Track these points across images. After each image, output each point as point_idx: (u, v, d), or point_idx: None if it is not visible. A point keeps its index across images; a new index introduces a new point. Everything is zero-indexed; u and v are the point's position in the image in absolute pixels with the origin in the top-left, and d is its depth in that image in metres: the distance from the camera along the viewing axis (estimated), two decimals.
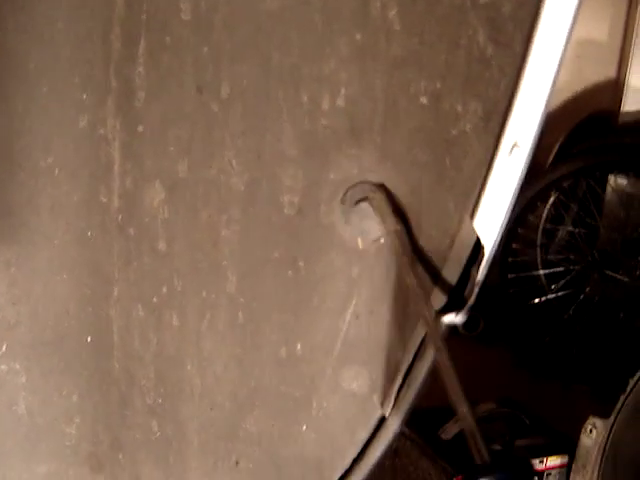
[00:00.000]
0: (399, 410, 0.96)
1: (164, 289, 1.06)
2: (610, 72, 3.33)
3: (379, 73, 0.89)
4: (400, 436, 2.24)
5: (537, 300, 3.05)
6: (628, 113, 3.24)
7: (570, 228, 3.04)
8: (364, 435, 0.99)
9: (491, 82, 0.81)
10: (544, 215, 3.04)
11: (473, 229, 0.85)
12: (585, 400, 2.60)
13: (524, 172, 0.82)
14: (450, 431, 2.23)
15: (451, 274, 0.89)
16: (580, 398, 2.66)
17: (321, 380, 1.00)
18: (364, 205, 0.92)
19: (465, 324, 3.03)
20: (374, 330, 0.96)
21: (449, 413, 2.33)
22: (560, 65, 0.77)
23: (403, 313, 0.94)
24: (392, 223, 0.89)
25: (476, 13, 0.81)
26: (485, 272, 0.88)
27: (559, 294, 3.03)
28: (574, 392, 2.73)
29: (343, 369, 0.99)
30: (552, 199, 3.04)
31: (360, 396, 0.98)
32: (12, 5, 1.03)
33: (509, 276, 3.01)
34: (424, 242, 0.89)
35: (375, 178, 0.91)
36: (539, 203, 3.03)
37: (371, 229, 0.93)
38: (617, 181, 3.03)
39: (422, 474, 2.16)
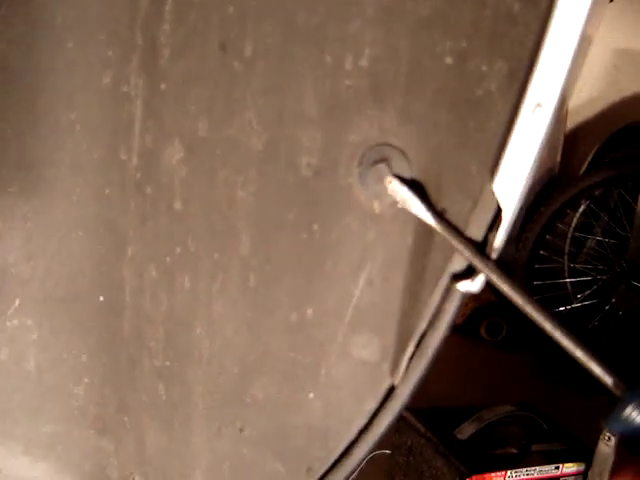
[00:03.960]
0: (409, 380, 0.93)
1: (178, 250, 1.05)
2: None
3: (404, 34, 0.88)
4: (415, 434, 2.22)
5: (562, 308, 3.01)
6: None
7: (599, 237, 3.01)
8: (372, 405, 0.97)
9: (516, 40, 0.79)
10: (573, 223, 3.01)
11: (492, 192, 0.83)
12: (606, 411, 2.55)
13: (547, 133, 0.80)
14: (466, 431, 2.20)
15: (473, 238, 0.86)
16: (601, 408, 2.60)
17: (331, 347, 0.98)
18: (381, 167, 0.90)
19: (488, 329, 3.01)
20: (387, 297, 0.94)
21: (465, 413, 2.31)
22: (586, 23, 0.75)
23: (418, 280, 0.92)
24: None
25: None
26: (504, 238, 0.85)
27: (585, 303, 2.99)
28: (595, 402, 2.68)
29: (354, 336, 0.97)
30: (582, 207, 3.01)
31: (370, 364, 0.96)
32: None
33: (535, 283, 2.98)
34: (446, 205, 0.87)
35: (396, 140, 0.90)
36: (569, 211, 3.00)
37: (387, 189, 0.91)
38: None
39: (435, 473, 2.13)
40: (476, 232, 0.86)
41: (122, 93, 1.04)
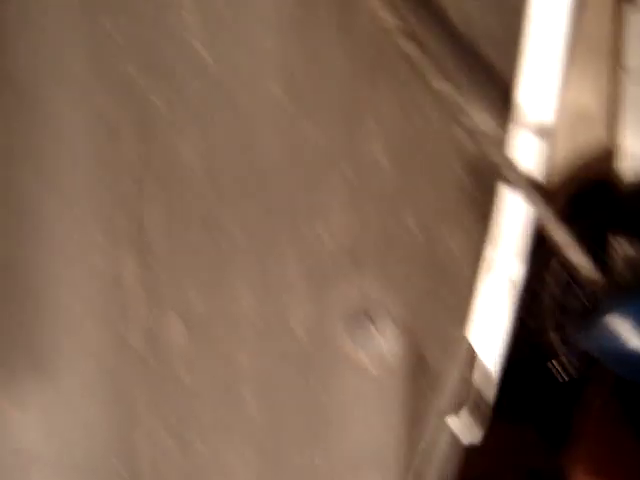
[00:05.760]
0: None
1: (187, 416, 1.11)
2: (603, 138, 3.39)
3: (370, 205, 0.96)
4: None
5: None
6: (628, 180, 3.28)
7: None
8: None
9: (471, 212, 0.89)
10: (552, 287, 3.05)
11: (467, 341, 0.91)
12: None
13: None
14: None
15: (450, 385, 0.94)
16: None
17: None
18: (367, 325, 0.98)
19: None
20: (387, 439, 1.01)
21: None
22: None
23: (414, 421, 0.99)
24: None
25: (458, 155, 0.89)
26: (495, 387, 0.93)
27: None
28: None
29: (359, 476, 1.03)
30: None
31: None
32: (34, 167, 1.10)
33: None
34: (429, 361, 0.95)
35: (377, 301, 0.98)
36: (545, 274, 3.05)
37: (375, 344, 0.99)
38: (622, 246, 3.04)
39: None
40: (452, 379, 0.95)
41: (115, 274, 1.11)
